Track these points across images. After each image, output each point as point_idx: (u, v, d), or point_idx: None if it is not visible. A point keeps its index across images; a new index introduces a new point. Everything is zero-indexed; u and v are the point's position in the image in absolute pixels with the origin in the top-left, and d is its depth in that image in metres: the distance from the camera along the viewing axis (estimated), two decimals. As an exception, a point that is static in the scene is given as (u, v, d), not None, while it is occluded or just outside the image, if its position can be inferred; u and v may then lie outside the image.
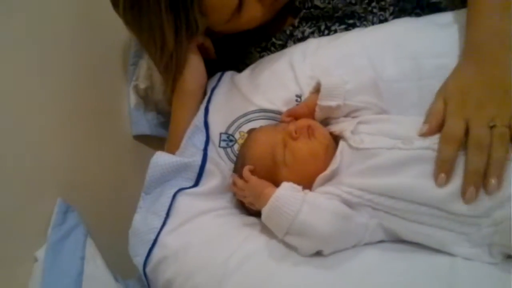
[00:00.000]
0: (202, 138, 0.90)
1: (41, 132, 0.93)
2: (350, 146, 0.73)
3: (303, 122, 0.77)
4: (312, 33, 0.96)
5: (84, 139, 1.02)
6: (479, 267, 0.62)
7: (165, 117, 1.14)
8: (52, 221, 0.91)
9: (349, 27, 0.94)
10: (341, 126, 0.77)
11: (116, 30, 1.03)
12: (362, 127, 0.75)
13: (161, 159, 0.87)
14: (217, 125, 0.90)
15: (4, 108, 0.85)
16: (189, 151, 0.89)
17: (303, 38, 0.96)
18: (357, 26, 0.94)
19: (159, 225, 0.83)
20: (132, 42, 1.13)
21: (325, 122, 0.81)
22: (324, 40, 0.91)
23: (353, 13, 0.94)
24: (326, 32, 0.95)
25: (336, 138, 0.77)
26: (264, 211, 0.72)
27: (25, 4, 0.90)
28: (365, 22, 0.94)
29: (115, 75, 1.15)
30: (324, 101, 0.78)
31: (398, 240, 0.71)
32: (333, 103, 0.77)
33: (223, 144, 0.88)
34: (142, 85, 1.11)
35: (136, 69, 1.12)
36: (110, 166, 1.08)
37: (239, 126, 0.88)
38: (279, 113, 0.86)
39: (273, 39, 1.00)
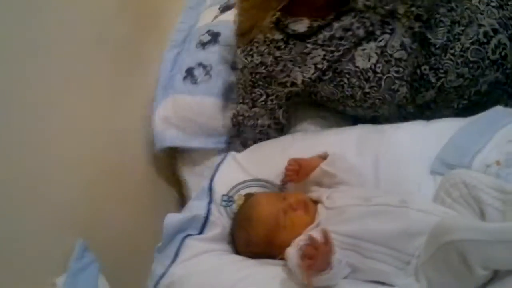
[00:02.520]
0: (207, 199, 1.14)
1: (66, 181, 1.13)
2: (326, 207, 1.00)
3: (300, 197, 1.03)
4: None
5: (104, 191, 1.25)
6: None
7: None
8: (73, 255, 1.09)
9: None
10: (319, 194, 1.04)
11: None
12: (334, 194, 1.02)
13: (171, 219, 1.10)
14: (220, 189, 1.15)
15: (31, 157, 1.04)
16: (196, 207, 1.13)
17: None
18: None
19: (168, 262, 1.04)
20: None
21: (307, 189, 1.08)
22: (307, 134, 1.23)
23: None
24: None
25: (315, 202, 1.03)
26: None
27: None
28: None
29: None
30: (326, 166, 1.05)
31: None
32: (332, 170, 1.04)
33: (223, 203, 1.13)
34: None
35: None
36: (124, 210, 1.29)
37: (238, 190, 1.14)
38: (270, 182, 1.14)
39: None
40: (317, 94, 1.25)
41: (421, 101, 1.22)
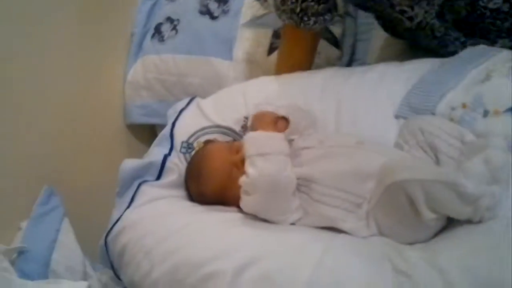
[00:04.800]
0: (168, 145, 1.13)
1: (36, 131, 1.16)
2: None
3: None
4: None
5: (75, 142, 1.26)
6: (350, 237, 0.84)
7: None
8: (37, 200, 1.12)
9: None
10: None
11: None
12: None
13: (127, 165, 1.10)
14: (181, 136, 1.13)
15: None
16: (155, 154, 1.13)
17: None
18: None
19: (124, 207, 1.04)
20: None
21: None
22: (269, 79, 1.19)
23: None
24: None
25: None
26: (256, 133, 0.94)
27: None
28: None
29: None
30: (289, 135, 1.00)
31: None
32: (293, 137, 1.00)
33: (183, 150, 1.11)
34: None
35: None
36: (96, 157, 1.32)
37: (197, 137, 1.12)
38: (230, 129, 1.11)
39: None
40: None
41: (451, 14, 1.08)
